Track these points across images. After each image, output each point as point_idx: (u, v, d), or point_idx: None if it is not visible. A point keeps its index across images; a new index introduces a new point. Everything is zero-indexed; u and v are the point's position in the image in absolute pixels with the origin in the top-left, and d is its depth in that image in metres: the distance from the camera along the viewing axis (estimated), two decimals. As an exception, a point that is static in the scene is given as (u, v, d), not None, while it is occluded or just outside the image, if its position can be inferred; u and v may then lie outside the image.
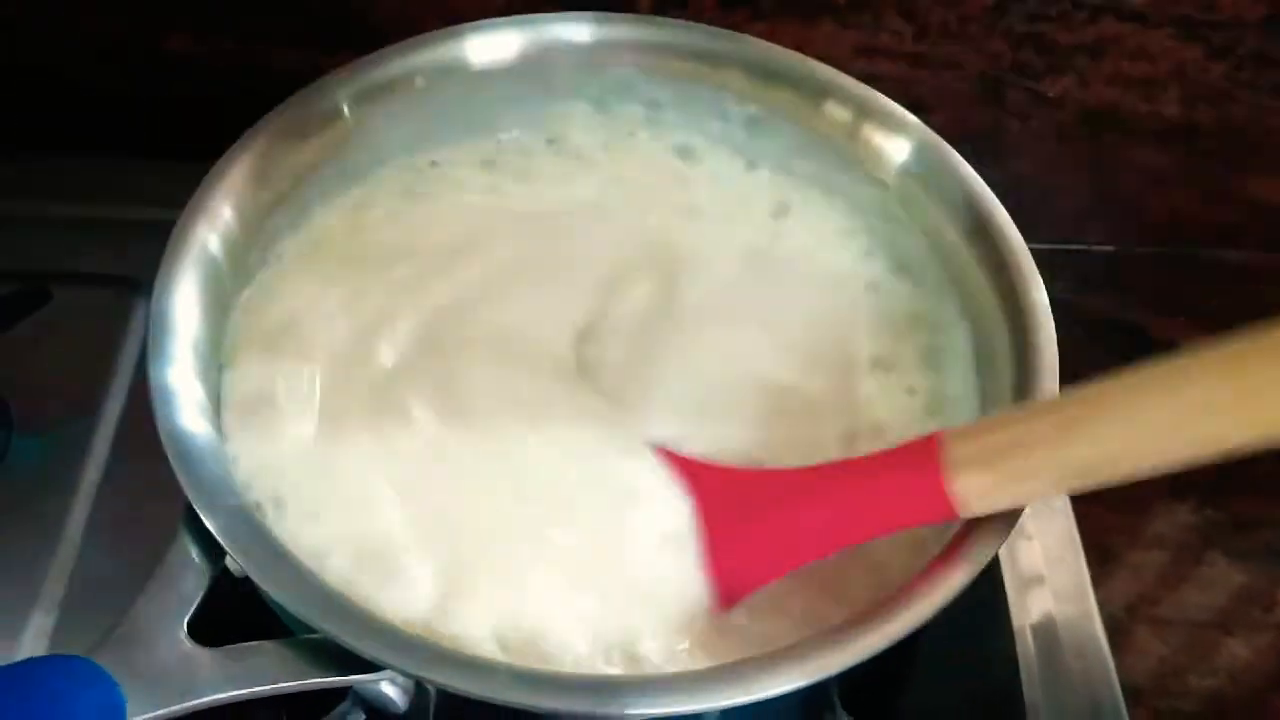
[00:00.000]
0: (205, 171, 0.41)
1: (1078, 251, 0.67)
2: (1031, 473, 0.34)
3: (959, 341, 0.43)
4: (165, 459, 0.35)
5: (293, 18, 0.59)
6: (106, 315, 0.53)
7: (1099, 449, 0.33)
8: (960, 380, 0.43)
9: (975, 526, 0.35)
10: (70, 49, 0.61)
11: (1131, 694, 0.47)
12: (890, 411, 0.42)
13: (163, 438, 0.34)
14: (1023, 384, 0.38)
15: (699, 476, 0.39)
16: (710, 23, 0.57)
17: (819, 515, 0.37)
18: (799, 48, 0.58)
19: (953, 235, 0.43)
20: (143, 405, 0.48)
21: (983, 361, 0.42)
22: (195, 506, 0.34)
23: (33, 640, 0.44)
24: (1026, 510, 0.36)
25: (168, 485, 0.35)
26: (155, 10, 0.59)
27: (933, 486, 0.34)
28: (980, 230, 0.42)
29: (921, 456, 0.35)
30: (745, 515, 0.37)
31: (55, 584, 0.46)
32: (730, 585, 0.37)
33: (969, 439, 0.35)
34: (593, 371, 0.42)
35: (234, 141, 0.42)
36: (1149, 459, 0.33)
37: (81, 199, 0.57)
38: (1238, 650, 0.54)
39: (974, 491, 0.34)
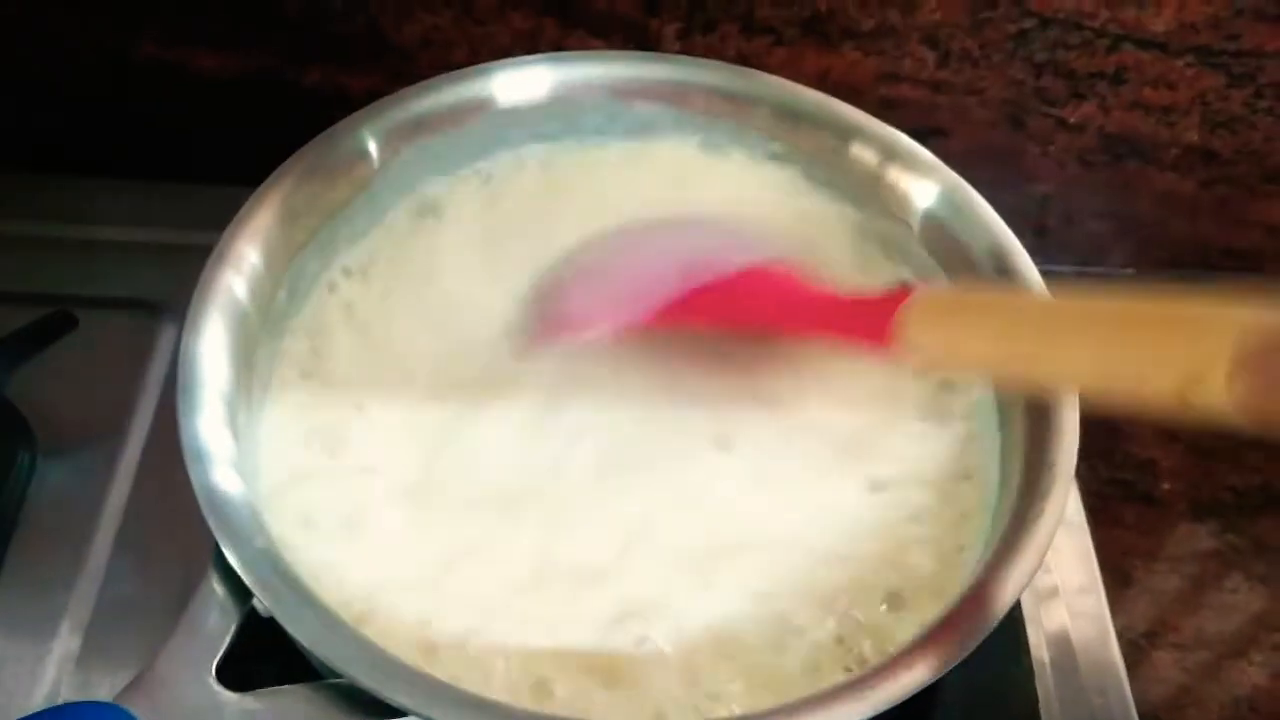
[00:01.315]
0: (230, 194, 0.41)
1: (1098, 275, 0.67)
2: (958, 339, 0.36)
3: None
4: (188, 483, 0.35)
5: (318, 38, 0.60)
6: (131, 340, 0.54)
7: (1007, 343, 0.35)
8: (978, 416, 0.43)
9: (998, 570, 0.36)
10: (95, 70, 0.61)
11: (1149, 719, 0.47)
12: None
13: (196, 489, 0.35)
14: (1042, 427, 0.39)
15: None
16: (734, 48, 0.58)
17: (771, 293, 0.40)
18: (822, 74, 0.59)
19: (974, 276, 0.43)
20: (167, 429, 0.49)
21: (1001, 401, 0.42)
22: (224, 549, 0.34)
23: (58, 664, 0.45)
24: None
25: (191, 508, 0.35)
26: (180, 31, 0.60)
27: (884, 312, 0.36)
28: (1003, 273, 0.42)
29: (888, 299, 0.37)
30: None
31: (80, 607, 0.46)
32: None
33: (931, 294, 0.39)
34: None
35: (259, 163, 0.42)
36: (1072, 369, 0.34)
37: (107, 224, 0.58)
38: (1257, 677, 0.54)
39: (918, 327, 0.36)
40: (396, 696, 0.32)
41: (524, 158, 0.48)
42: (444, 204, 0.47)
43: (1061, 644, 0.48)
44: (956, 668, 0.34)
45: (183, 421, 0.36)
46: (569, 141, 0.48)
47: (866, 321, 0.37)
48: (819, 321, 0.39)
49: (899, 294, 0.38)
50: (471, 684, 0.34)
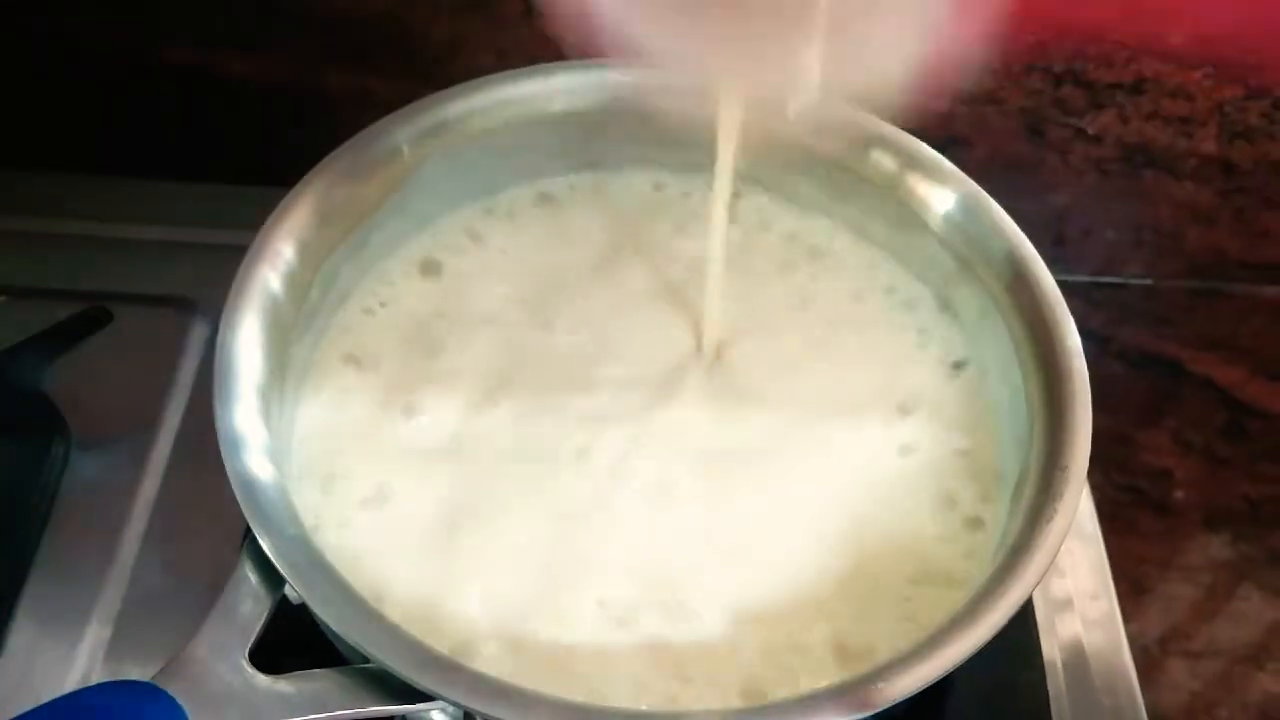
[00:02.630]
0: (261, 194, 0.42)
1: (1116, 285, 0.68)
2: None
3: (994, 385, 0.44)
4: (219, 476, 0.36)
5: (346, 41, 0.61)
6: (164, 336, 0.54)
7: None
8: (994, 422, 0.44)
9: (1012, 566, 0.36)
10: (128, 74, 0.62)
11: (1161, 727, 0.47)
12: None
13: (230, 477, 0.36)
14: (1055, 430, 0.39)
15: None
16: (755, 57, 0.59)
17: None
18: (841, 83, 0.59)
19: (992, 282, 0.43)
20: (199, 423, 0.50)
21: (1015, 406, 0.42)
22: (257, 536, 0.35)
23: (89, 653, 0.45)
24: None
25: (221, 501, 0.36)
26: (211, 35, 0.61)
27: None
28: (1020, 280, 0.42)
29: None
30: None
31: (112, 597, 0.47)
32: None
33: None
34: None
35: (289, 164, 0.43)
36: None
37: (142, 221, 0.59)
38: (1269, 686, 0.55)
39: None
40: (425, 682, 0.33)
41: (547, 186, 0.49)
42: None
43: (1074, 651, 0.48)
44: (968, 670, 0.35)
45: (218, 410, 0.36)
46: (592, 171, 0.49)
47: None
48: None
49: None
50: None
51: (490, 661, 0.37)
